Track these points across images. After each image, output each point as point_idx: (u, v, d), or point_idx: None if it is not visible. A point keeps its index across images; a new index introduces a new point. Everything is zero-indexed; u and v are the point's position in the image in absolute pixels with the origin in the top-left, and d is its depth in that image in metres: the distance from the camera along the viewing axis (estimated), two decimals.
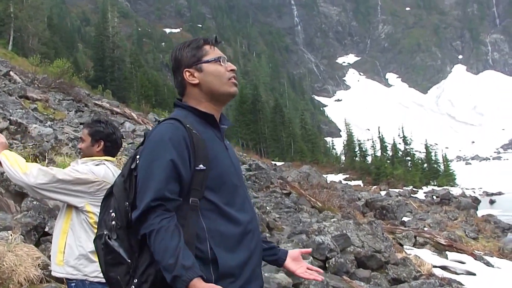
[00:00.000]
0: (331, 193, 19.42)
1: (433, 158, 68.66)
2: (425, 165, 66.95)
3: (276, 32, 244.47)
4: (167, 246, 1.90)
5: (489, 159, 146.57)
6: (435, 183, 57.54)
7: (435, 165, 66.93)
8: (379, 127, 76.36)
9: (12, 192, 6.58)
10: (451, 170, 64.94)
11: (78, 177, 3.34)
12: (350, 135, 72.91)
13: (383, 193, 33.43)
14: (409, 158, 67.47)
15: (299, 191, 17.07)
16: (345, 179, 47.82)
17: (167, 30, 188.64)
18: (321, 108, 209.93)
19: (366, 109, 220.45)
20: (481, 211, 31.44)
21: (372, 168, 56.47)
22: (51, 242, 4.04)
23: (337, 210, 15.90)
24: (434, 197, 36.56)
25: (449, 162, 70.55)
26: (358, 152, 68.91)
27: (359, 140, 72.08)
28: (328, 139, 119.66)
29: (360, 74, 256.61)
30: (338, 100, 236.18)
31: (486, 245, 16.07)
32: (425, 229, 16.14)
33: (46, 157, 8.49)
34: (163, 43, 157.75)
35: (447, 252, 12.38)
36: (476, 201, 37.54)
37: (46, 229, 5.96)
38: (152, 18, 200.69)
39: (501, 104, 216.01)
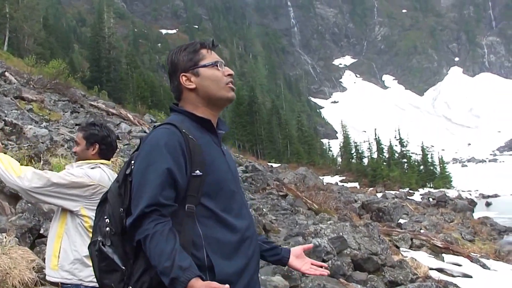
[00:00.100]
0: (328, 195, 19.40)
1: (430, 160, 68.77)
2: (422, 167, 67.06)
3: (272, 34, 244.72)
4: (162, 250, 1.87)
5: (485, 161, 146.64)
6: (431, 185, 57.67)
7: (431, 167, 67.03)
8: (375, 129, 76.23)
9: (6, 193, 6.53)
10: (447, 172, 65.04)
11: (73, 181, 3.31)
12: (346, 137, 72.92)
13: (379, 195, 33.44)
14: (405, 160, 67.57)
15: (295, 193, 17.03)
16: (341, 181, 47.83)
17: (163, 31, 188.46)
18: (318, 110, 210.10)
19: (363, 111, 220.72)
20: (477, 213, 31.46)
21: (368, 170, 56.57)
22: (45, 245, 4.01)
23: (334, 212, 15.87)
24: (431, 199, 36.54)
25: (445, 164, 70.66)
26: (355, 154, 68.96)
27: (356, 142, 72.17)
28: (325, 140, 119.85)
29: (356, 76, 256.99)
30: (335, 102, 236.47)
31: (482, 248, 16.07)
32: (422, 231, 16.13)
33: (41, 158, 8.45)
34: (159, 44, 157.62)
35: (443, 255, 12.36)
36: (472, 203, 37.62)
37: (41, 231, 5.92)
38: (148, 19, 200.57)
39: (497, 107, 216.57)
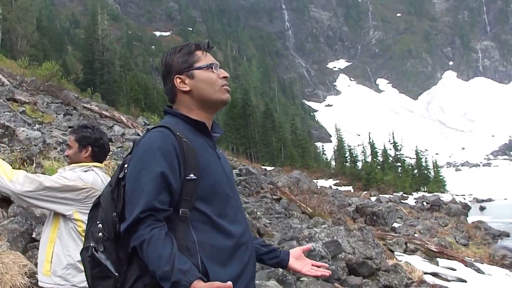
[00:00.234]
0: (322, 199, 19.35)
1: (423, 164, 69.00)
2: (415, 171, 67.27)
3: (266, 37, 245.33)
4: (160, 254, 1.82)
5: (479, 165, 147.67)
6: (425, 189, 57.83)
7: (425, 171, 67.26)
8: (369, 133, 76.46)
9: None
10: (441, 176, 65.24)
11: (66, 184, 3.26)
12: (340, 141, 72.97)
13: (373, 199, 33.49)
14: (399, 164, 67.72)
15: (289, 196, 17.00)
16: (335, 185, 47.81)
17: (157, 33, 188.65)
18: (312, 113, 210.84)
19: (357, 114, 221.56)
20: (471, 218, 31.54)
21: (362, 174, 56.64)
22: (38, 249, 3.94)
23: (328, 216, 15.83)
24: (424, 203, 36.62)
25: (439, 168, 70.87)
26: (349, 157, 69.02)
27: (350, 146, 72.23)
28: (319, 144, 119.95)
29: (350, 80, 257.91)
30: (329, 105, 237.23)
31: (476, 252, 16.09)
32: (416, 235, 16.12)
33: (34, 161, 8.37)
34: (153, 46, 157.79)
35: (438, 259, 12.37)
36: (466, 208, 37.72)
37: (33, 236, 5.83)
38: (142, 21, 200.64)
39: (491, 111, 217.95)
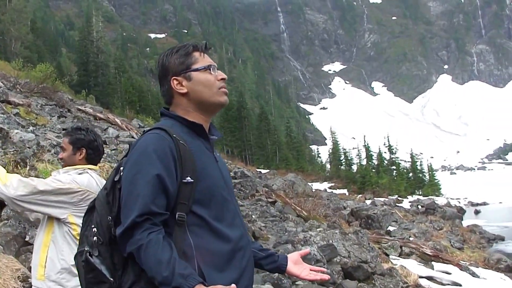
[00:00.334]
0: (317, 202, 19.35)
1: (418, 167, 68.96)
2: (410, 174, 67.21)
3: (262, 39, 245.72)
4: (159, 259, 1.78)
5: (474, 169, 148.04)
6: (420, 193, 57.76)
7: (420, 175, 67.22)
8: (364, 136, 76.46)
9: None
10: (436, 180, 65.23)
11: (60, 187, 3.21)
12: (335, 144, 72.93)
13: (368, 202, 33.45)
14: (394, 167, 67.66)
15: (284, 199, 16.99)
16: (330, 188, 47.74)
17: (152, 36, 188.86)
18: (307, 116, 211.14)
19: (352, 117, 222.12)
20: (466, 221, 31.62)
21: (357, 177, 56.63)
22: (31, 252, 3.90)
23: (323, 219, 15.83)
24: (419, 206, 36.59)
25: (434, 172, 70.86)
26: (344, 160, 68.97)
27: (345, 149, 72.26)
28: (314, 147, 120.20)
29: (346, 83, 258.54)
30: (324, 108, 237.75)
31: (471, 256, 16.10)
32: (411, 239, 16.10)
33: (28, 163, 8.32)
34: (148, 49, 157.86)
35: (433, 263, 12.34)
36: (461, 211, 37.79)
37: (27, 239, 5.78)
38: (137, 23, 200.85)
39: (486, 114, 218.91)
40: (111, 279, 1.94)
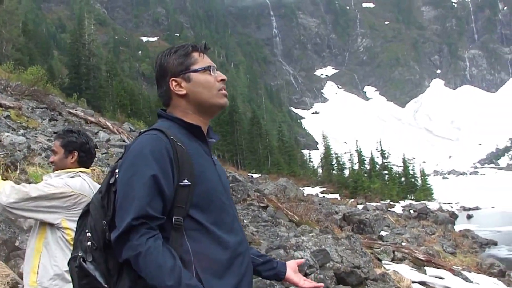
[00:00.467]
0: (309, 207, 19.29)
1: (411, 172, 69.10)
2: (403, 179, 67.31)
3: (254, 43, 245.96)
4: (161, 267, 1.74)
5: (466, 174, 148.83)
6: (412, 197, 57.87)
7: (413, 179, 67.34)
8: (356, 140, 76.67)
9: None
10: (428, 185, 65.42)
11: (53, 192, 3.16)
12: (327, 148, 72.94)
13: (360, 206, 33.44)
14: (386, 172, 67.74)
15: (276, 204, 16.91)
16: (322, 192, 47.68)
17: (144, 39, 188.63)
18: (299, 121, 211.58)
19: (344, 122, 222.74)
20: (459, 226, 31.73)
21: (349, 182, 56.54)
22: (21, 258, 3.84)
23: (315, 224, 15.78)
24: (412, 211, 36.68)
25: (426, 177, 71.08)
26: (336, 165, 68.94)
27: (337, 153, 72.24)
28: (305, 151, 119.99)
29: (338, 87, 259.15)
30: (316, 113, 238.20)
31: (464, 260, 16.14)
32: (403, 243, 16.11)
33: (18, 167, 8.24)
34: (140, 52, 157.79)
35: (425, 268, 12.34)
36: (453, 216, 37.94)
37: (17, 244, 5.68)
38: (129, 26, 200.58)
39: (478, 119, 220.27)
40: (106, 286, 1.88)
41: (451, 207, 49.91)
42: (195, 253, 1.87)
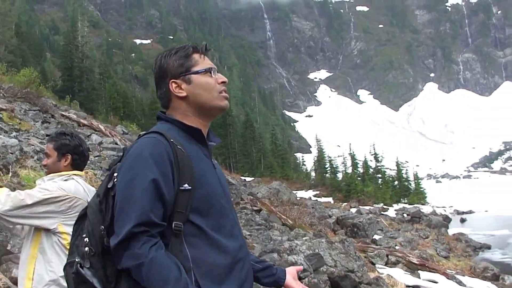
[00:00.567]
0: (302, 210, 19.30)
1: (404, 175, 69.20)
2: (396, 182, 67.36)
3: (248, 46, 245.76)
4: (166, 279, 1.70)
5: (460, 177, 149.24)
6: (405, 201, 57.94)
7: (406, 183, 67.40)
8: (350, 144, 76.61)
9: None
10: (421, 188, 65.49)
11: (48, 197, 3.10)
12: (320, 151, 72.91)
13: (353, 210, 33.50)
14: (380, 175, 67.74)
15: (269, 207, 16.89)
16: (315, 196, 47.69)
17: (138, 41, 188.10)
18: (292, 124, 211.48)
19: (337, 125, 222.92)
20: (452, 230, 31.77)
21: (342, 185, 56.57)
22: (13, 262, 3.78)
23: (308, 227, 15.77)
24: (405, 215, 36.69)
25: (419, 180, 71.20)
26: (329, 168, 68.93)
27: (330, 157, 72.21)
28: (298, 155, 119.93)
29: (331, 90, 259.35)
30: (309, 116, 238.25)
31: (457, 264, 16.16)
32: (397, 247, 16.10)
33: (10, 170, 8.17)
34: (133, 54, 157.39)
35: (419, 271, 12.34)
36: (447, 220, 38.00)
37: (9, 248, 5.61)
38: (122, 28, 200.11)
39: (472, 123, 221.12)
40: None
41: (445, 210, 50.00)
42: (195, 259, 1.84)
